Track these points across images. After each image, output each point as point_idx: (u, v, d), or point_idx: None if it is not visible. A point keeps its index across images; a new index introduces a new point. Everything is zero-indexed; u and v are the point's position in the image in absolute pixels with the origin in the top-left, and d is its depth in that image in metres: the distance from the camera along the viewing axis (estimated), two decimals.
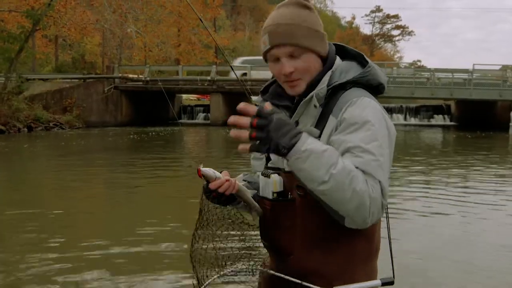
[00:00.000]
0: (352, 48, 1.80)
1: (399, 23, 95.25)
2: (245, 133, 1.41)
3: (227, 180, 1.65)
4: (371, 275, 1.71)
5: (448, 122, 37.76)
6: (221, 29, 62.23)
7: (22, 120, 26.27)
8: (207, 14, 44.41)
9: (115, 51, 44.92)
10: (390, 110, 39.14)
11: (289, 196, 1.67)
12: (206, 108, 37.01)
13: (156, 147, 19.05)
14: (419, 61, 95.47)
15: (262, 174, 1.77)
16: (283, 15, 1.66)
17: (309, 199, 1.55)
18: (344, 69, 1.70)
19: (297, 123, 1.69)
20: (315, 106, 1.65)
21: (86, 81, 32.47)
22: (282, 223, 1.68)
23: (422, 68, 50.85)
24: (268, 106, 1.43)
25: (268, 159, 1.84)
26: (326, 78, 1.67)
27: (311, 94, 1.65)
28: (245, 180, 1.93)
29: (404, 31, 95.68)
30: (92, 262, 5.25)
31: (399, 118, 38.78)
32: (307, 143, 1.43)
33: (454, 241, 6.23)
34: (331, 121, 1.62)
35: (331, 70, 1.69)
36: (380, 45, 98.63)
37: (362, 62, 1.74)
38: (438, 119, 38.44)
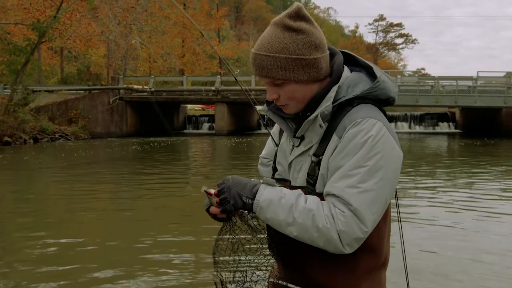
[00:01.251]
0: (362, 58, 1.72)
1: (402, 32, 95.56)
2: (215, 207, 1.60)
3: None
4: None
5: (453, 130, 37.73)
6: (225, 39, 62.51)
7: (28, 131, 26.44)
8: (211, 24, 44.72)
9: (120, 62, 45.15)
10: (394, 119, 39.20)
11: None
12: (211, 118, 37.16)
13: (161, 158, 19.11)
14: (423, 69, 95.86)
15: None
16: (264, 42, 1.59)
17: None
18: (352, 83, 1.63)
19: (303, 137, 1.68)
20: (320, 125, 1.60)
21: (91, 92, 32.67)
22: (288, 237, 1.63)
23: (426, 76, 50.84)
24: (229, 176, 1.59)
25: (274, 170, 1.85)
26: (331, 95, 1.60)
27: (315, 113, 1.60)
28: None
29: (408, 39, 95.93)
30: (98, 269, 5.28)
31: (404, 126, 38.79)
32: (265, 193, 1.54)
33: (461, 248, 6.22)
34: (333, 141, 1.58)
35: (337, 85, 1.61)
36: (384, 54, 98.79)
37: (372, 73, 1.66)
38: (443, 127, 38.43)
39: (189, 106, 43.97)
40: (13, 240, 6.86)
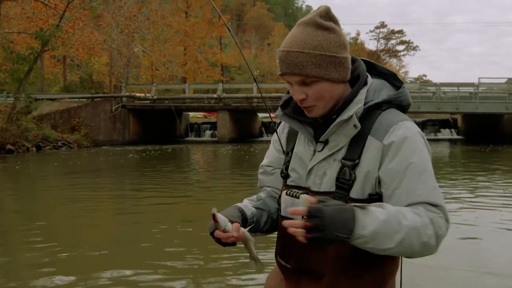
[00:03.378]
0: (382, 66, 1.74)
1: (403, 38, 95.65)
2: (299, 232, 1.41)
3: (232, 236, 1.60)
4: None
5: (455, 136, 37.75)
6: (227, 47, 62.70)
7: (30, 139, 26.53)
8: (213, 32, 44.94)
9: (122, 70, 45.33)
10: None
11: None
12: (213, 126, 37.23)
13: (164, 166, 19.15)
14: (425, 75, 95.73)
15: (287, 194, 1.64)
16: (296, 40, 1.56)
17: None
18: (377, 88, 1.66)
19: (327, 141, 1.64)
20: (355, 126, 1.57)
21: (94, 101, 32.78)
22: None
23: (428, 83, 50.95)
24: (312, 200, 1.43)
25: (286, 176, 1.78)
26: (361, 97, 1.60)
27: (349, 113, 1.57)
28: (256, 208, 1.84)
29: (409, 46, 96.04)
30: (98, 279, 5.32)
31: None
32: (366, 225, 1.40)
33: (463, 256, 6.23)
34: (373, 143, 1.56)
35: (366, 88, 1.63)
36: (385, 61, 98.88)
37: (391, 81, 1.70)
38: (445, 133, 38.45)
39: (191, 114, 44.07)
40: (15, 247, 6.91)
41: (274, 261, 1.87)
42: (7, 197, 12.07)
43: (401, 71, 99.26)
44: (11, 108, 27.16)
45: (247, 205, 1.83)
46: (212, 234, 1.63)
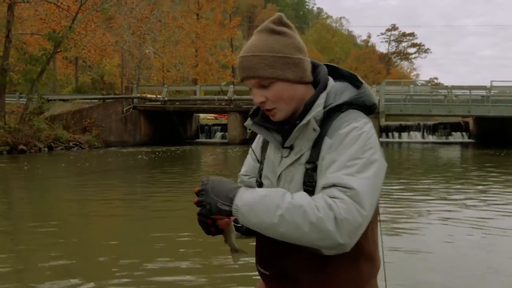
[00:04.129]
0: (344, 68, 1.78)
1: (415, 41, 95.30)
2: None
3: (227, 222, 1.65)
4: None
5: (466, 139, 37.48)
6: (238, 49, 62.80)
7: (43, 140, 26.72)
8: (224, 34, 45.00)
9: (133, 71, 45.59)
10: (407, 128, 39.04)
11: None
12: (224, 127, 37.29)
13: (174, 167, 19.22)
14: (436, 78, 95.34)
15: None
16: (250, 46, 1.64)
17: None
18: (338, 91, 1.68)
19: (292, 147, 1.67)
20: (314, 129, 1.61)
21: (105, 102, 32.96)
22: (286, 248, 1.61)
23: (439, 86, 50.69)
24: (209, 177, 1.57)
25: (260, 184, 1.80)
26: (321, 101, 1.63)
27: (308, 118, 1.60)
28: None
29: (420, 48, 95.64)
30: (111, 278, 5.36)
31: (417, 136, 38.61)
32: (244, 196, 1.48)
33: (475, 262, 6.20)
34: (326, 143, 1.59)
35: (326, 92, 1.66)
36: (396, 63, 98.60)
37: (354, 83, 1.72)
38: (456, 137, 38.19)
39: (201, 115, 44.16)
40: (27, 247, 6.98)
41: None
42: (19, 197, 12.18)
43: (412, 74, 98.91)
44: (24, 108, 27.39)
45: None
46: (207, 216, 1.65)
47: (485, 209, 9.49)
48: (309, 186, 1.59)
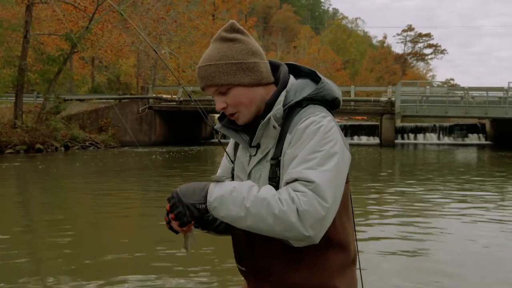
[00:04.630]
0: (305, 66, 1.81)
1: (431, 42, 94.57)
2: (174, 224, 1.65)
3: (184, 230, 1.69)
4: (352, 286, 1.74)
5: (483, 141, 37.18)
6: None
7: (59, 139, 27.00)
8: None
9: (149, 72, 45.81)
10: (423, 129, 38.81)
11: None
12: None
13: (188, 166, 19.29)
14: (452, 79, 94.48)
15: None
16: (206, 56, 1.70)
17: None
18: (298, 88, 1.71)
19: (258, 145, 1.72)
20: (274, 127, 1.65)
21: (121, 102, 33.21)
22: (257, 243, 1.68)
23: (456, 87, 50.29)
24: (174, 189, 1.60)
25: None
26: (281, 99, 1.67)
27: (268, 116, 1.65)
28: None
29: (437, 49, 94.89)
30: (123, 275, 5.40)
31: (433, 137, 38.37)
32: (214, 191, 1.53)
33: (491, 264, 6.14)
34: (287, 139, 1.63)
35: (285, 90, 1.69)
36: (412, 64, 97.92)
37: (315, 79, 1.75)
38: (473, 138, 37.89)
39: (216, 116, 44.25)
40: (41, 246, 7.06)
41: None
42: (34, 195, 12.32)
43: (428, 75, 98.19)
44: (41, 108, 27.71)
45: None
46: (168, 214, 1.69)
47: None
48: (274, 181, 1.64)
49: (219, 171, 2.00)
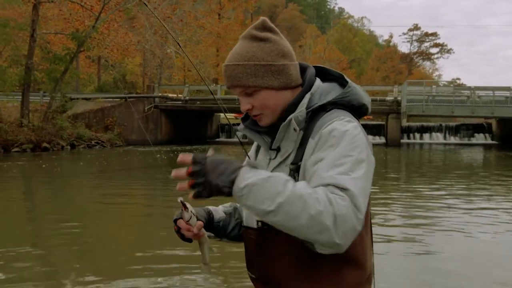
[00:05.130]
0: (333, 69, 1.74)
1: (437, 41, 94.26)
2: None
3: (192, 231, 1.63)
4: None
5: (489, 141, 37.02)
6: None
7: (65, 138, 27.09)
8: None
9: (155, 71, 45.92)
10: (429, 129, 38.69)
11: None
12: None
13: None
14: (459, 79, 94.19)
15: None
16: (233, 54, 1.63)
17: None
18: (324, 91, 1.65)
19: (279, 148, 1.65)
20: (294, 129, 1.59)
21: (127, 101, 33.26)
22: (269, 252, 1.60)
23: (462, 86, 50.13)
24: (209, 152, 1.43)
25: None
26: (304, 101, 1.61)
27: (289, 117, 1.59)
28: (226, 213, 1.87)
29: (443, 49, 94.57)
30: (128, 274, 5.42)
31: (439, 137, 38.25)
32: (246, 177, 1.37)
33: (498, 265, 6.11)
34: (310, 144, 1.55)
35: (310, 93, 1.63)
36: (418, 63, 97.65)
37: (343, 83, 1.68)
38: (479, 138, 37.75)
39: (222, 115, 44.29)
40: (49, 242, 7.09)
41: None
42: (40, 194, 12.36)
43: (434, 74, 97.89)
44: (47, 107, 27.81)
45: (218, 209, 1.87)
46: (175, 221, 1.66)
47: None
48: None
49: None
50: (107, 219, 8.98)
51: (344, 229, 1.33)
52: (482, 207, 9.89)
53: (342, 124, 1.53)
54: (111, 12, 28.91)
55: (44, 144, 25.14)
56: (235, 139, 38.08)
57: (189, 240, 1.66)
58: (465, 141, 37.21)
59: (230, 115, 48.67)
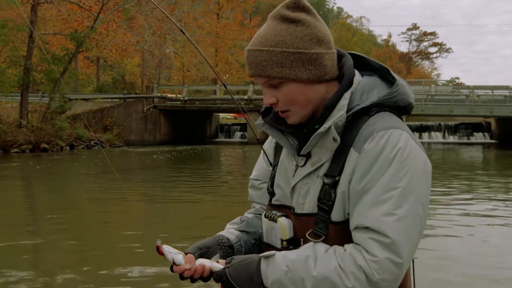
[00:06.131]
0: (374, 60, 1.48)
1: (436, 40, 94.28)
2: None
3: (185, 269, 1.46)
4: None
5: (488, 140, 37.03)
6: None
7: (64, 138, 27.09)
8: (244, 34, 45.07)
9: (154, 71, 45.90)
10: (428, 128, 38.70)
11: (302, 244, 1.42)
12: (243, 127, 37.38)
13: (193, 166, 19.30)
14: (457, 78, 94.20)
15: (266, 216, 1.51)
16: (258, 37, 1.39)
17: None
18: (366, 89, 1.40)
19: (309, 155, 1.43)
20: (334, 139, 1.34)
21: (126, 101, 33.26)
22: None
23: (461, 86, 50.11)
24: (219, 263, 1.43)
25: (272, 194, 1.58)
26: (344, 102, 1.36)
27: (328, 125, 1.34)
28: (241, 230, 1.66)
29: (442, 48, 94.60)
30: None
31: (438, 136, 38.24)
32: (268, 275, 1.36)
33: (496, 265, 6.11)
34: (352, 157, 1.34)
35: (350, 91, 1.38)
36: (417, 63, 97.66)
37: (386, 77, 1.44)
38: (478, 137, 37.75)
39: (221, 115, 44.31)
40: (48, 239, 7.08)
41: None
42: (39, 193, 12.35)
43: (433, 74, 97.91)
44: (46, 107, 27.81)
45: (230, 230, 1.67)
46: (171, 269, 1.50)
47: None
48: (325, 205, 1.37)
49: (254, 172, 1.72)
50: (107, 218, 8.97)
51: (386, 286, 1.27)
52: (481, 206, 9.89)
53: (393, 141, 1.30)
54: (110, 13, 28.89)
55: (43, 145, 25.13)
56: (234, 139, 38.09)
57: (203, 279, 1.49)
58: (464, 140, 37.22)
59: (229, 115, 48.77)
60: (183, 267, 1.45)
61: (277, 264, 1.35)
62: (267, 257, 1.37)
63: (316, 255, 1.32)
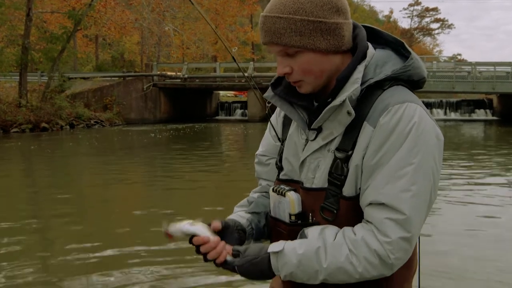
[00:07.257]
0: (388, 33, 1.45)
1: (438, 16, 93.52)
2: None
3: (208, 242, 1.42)
4: None
5: (490, 117, 36.91)
6: (258, 26, 62.33)
7: (64, 117, 27.01)
8: (243, 11, 44.70)
9: (153, 49, 45.59)
10: (430, 105, 38.54)
11: (311, 219, 1.42)
12: (244, 105, 37.23)
13: (195, 143, 19.25)
14: (459, 54, 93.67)
15: (274, 191, 1.49)
16: (276, 3, 1.34)
17: (338, 222, 1.37)
18: (380, 62, 1.38)
19: (320, 129, 1.41)
20: (348, 113, 1.33)
21: (126, 79, 33.07)
22: None
23: (463, 62, 49.85)
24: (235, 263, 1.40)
25: (280, 168, 1.55)
26: (358, 76, 1.34)
27: (342, 98, 1.32)
28: (251, 212, 1.61)
29: (444, 24, 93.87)
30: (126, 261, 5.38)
31: (439, 113, 38.10)
32: (280, 269, 1.36)
33: (499, 243, 6.07)
34: (366, 132, 1.33)
35: (364, 64, 1.36)
36: (419, 39, 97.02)
37: (399, 50, 1.42)
38: (480, 114, 37.62)
39: (221, 93, 44.13)
40: (49, 224, 7.05)
41: None
42: (40, 173, 12.33)
43: (435, 50, 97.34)
44: (45, 87, 27.69)
45: (240, 213, 1.62)
46: (191, 241, 1.45)
47: None
48: (336, 179, 1.36)
49: (261, 148, 1.68)
50: (107, 195, 8.94)
51: (400, 262, 1.32)
52: (483, 182, 9.85)
53: (408, 115, 1.30)
54: None
55: (43, 124, 25.07)
56: (234, 117, 37.97)
57: (205, 258, 1.45)
58: (466, 117, 37.09)
59: (229, 93, 48.57)
60: (206, 237, 1.42)
61: (288, 258, 1.35)
62: (275, 252, 1.36)
63: (326, 245, 1.32)
